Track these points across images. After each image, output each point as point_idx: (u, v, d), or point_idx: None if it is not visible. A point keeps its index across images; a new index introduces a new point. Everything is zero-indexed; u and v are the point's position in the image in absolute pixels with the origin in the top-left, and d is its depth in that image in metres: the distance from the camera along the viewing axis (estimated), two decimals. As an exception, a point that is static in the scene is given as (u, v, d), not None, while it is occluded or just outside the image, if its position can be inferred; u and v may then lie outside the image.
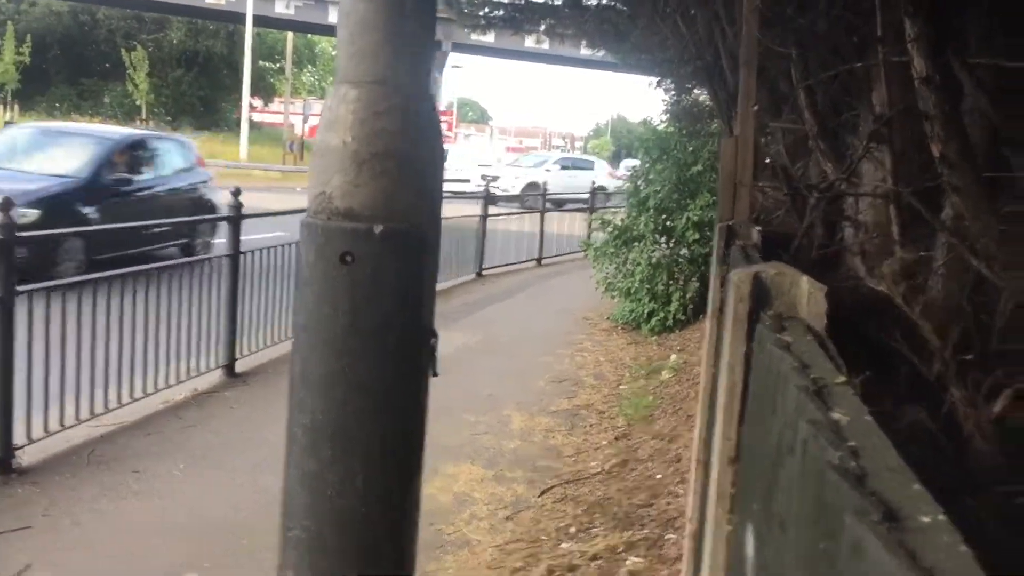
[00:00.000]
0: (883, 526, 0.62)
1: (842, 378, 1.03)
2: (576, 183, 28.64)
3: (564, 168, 33.21)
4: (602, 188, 25.74)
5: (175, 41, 48.13)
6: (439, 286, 9.30)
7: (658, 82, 13.07)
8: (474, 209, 13.42)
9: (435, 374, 1.90)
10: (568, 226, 16.57)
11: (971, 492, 1.20)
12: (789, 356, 1.14)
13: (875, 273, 2.00)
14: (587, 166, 34.97)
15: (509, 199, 25.85)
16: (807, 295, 1.41)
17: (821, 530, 0.75)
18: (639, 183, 10.50)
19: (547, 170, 32.14)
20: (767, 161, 8.32)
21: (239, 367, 7.12)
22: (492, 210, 13.82)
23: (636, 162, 14.14)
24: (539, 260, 15.17)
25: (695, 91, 12.66)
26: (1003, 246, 2.58)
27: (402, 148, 1.71)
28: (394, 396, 1.74)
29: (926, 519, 0.65)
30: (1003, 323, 2.92)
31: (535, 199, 27.20)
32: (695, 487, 2.76)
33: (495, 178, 26.77)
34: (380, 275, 1.69)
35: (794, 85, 4.84)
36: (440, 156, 1.83)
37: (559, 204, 18.40)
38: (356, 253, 1.68)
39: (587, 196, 28.44)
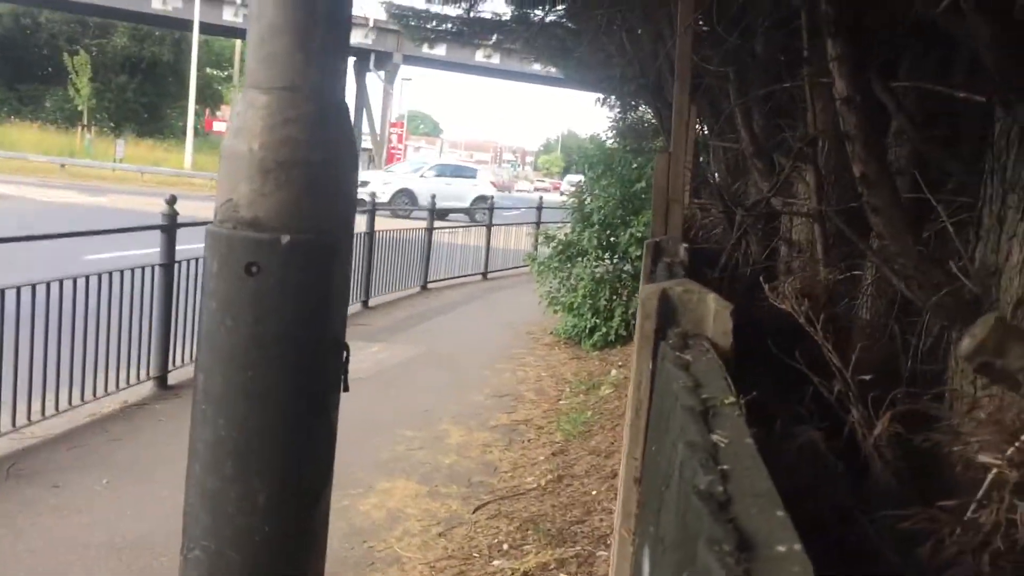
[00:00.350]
0: (732, 557, 0.60)
1: (732, 398, 1.01)
2: (453, 191, 27.88)
3: (440, 175, 30.86)
4: (483, 198, 25.26)
5: (120, 47, 47.28)
6: (384, 298, 9.26)
7: (603, 99, 13.17)
8: (420, 222, 13.36)
9: (346, 389, 1.85)
10: (515, 240, 16.58)
11: (865, 513, 1.19)
12: (684, 375, 1.12)
13: (778, 292, 2.00)
14: (468, 174, 32.59)
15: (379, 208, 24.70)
16: (713, 312, 1.40)
17: (685, 556, 0.72)
18: (584, 198, 10.54)
19: (421, 176, 30.42)
20: (711, 179, 8.42)
21: (172, 379, 6.95)
22: (439, 223, 13.77)
23: (580, 177, 14.21)
24: (485, 274, 15.15)
25: (640, 108, 12.78)
26: (926, 266, 2.61)
27: (312, 156, 1.66)
28: (299, 411, 1.69)
29: (781, 548, 0.63)
30: (925, 344, 2.96)
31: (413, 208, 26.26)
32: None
33: (364, 183, 25.70)
34: (286, 286, 1.64)
35: (733, 105, 4.90)
36: (353, 164, 1.78)
37: (441, 215, 17.36)
38: (261, 264, 1.63)
39: (466, 207, 27.11)
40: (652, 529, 1.19)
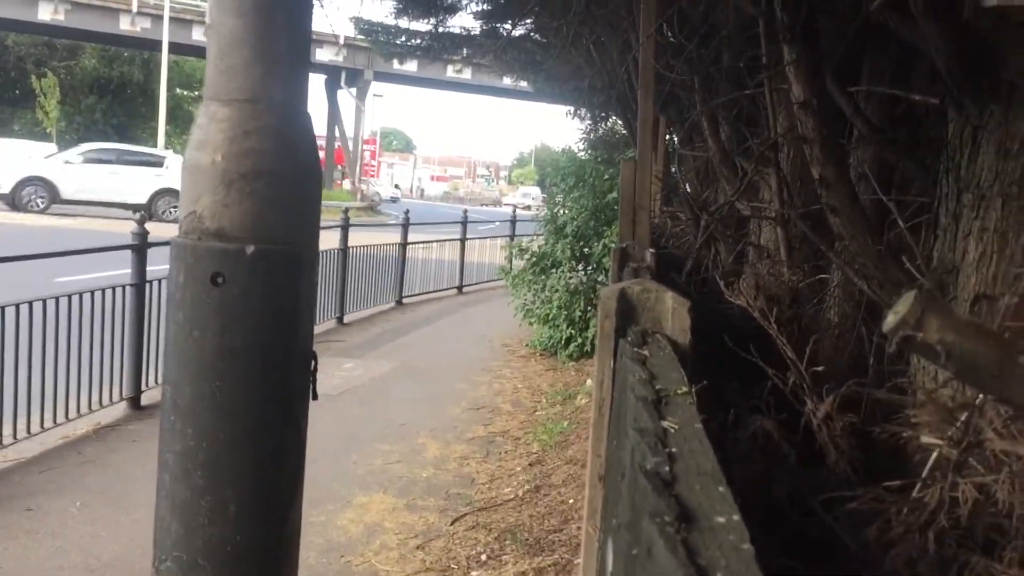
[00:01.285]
0: (672, 527, 0.62)
1: (684, 388, 1.04)
2: (122, 185, 23.31)
3: (100, 162, 24.12)
4: (168, 192, 21.82)
5: (88, 68, 46.93)
6: (359, 314, 9.24)
7: (574, 111, 13.26)
8: (394, 237, 13.36)
9: (314, 397, 1.86)
10: (490, 254, 16.61)
11: (821, 500, 1.22)
12: (640, 369, 1.14)
13: (732, 289, 2.03)
14: (149, 161, 25.22)
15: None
16: (671, 310, 1.43)
17: (634, 535, 0.74)
18: (556, 210, 10.59)
19: (66, 162, 23.93)
20: (681, 188, 8.49)
21: (145, 399, 6.90)
22: (412, 237, 13.77)
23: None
24: (460, 288, 15.16)
25: (610, 120, 12.88)
26: (886, 265, 2.67)
27: (274, 167, 1.68)
28: (267, 421, 1.70)
29: (720, 519, 0.65)
30: (890, 342, 3.00)
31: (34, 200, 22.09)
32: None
33: None
34: (251, 296, 1.65)
35: (698, 113, 4.96)
36: (316, 174, 1.80)
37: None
38: (227, 274, 1.64)
39: (142, 203, 21.73)
40: (614, 522, 1.21)
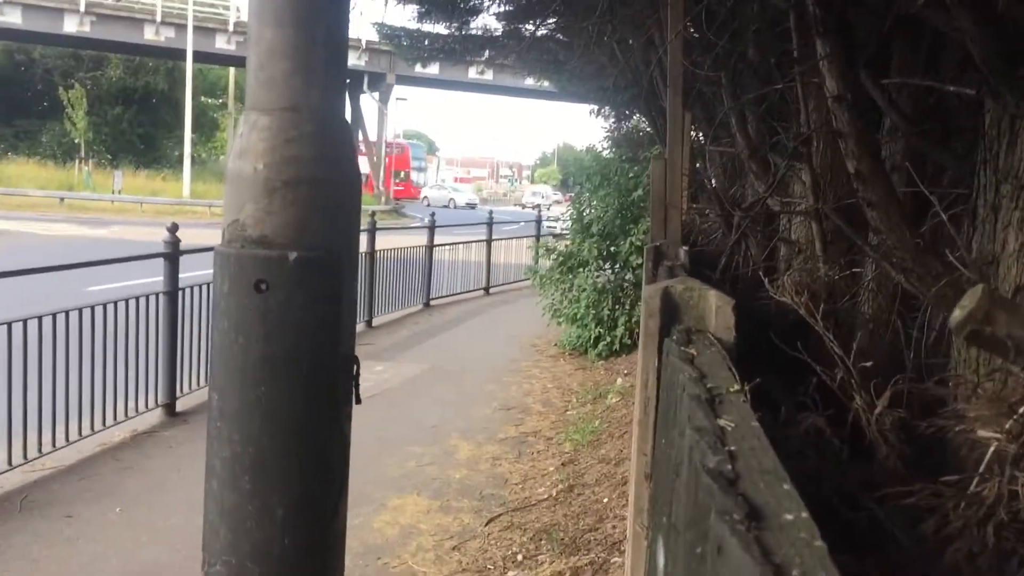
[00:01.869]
0: (743, 525, 0.63)
1: (736, 386, 1.04)
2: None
3: None
4: None
5: (114, 78, 47.47)
6: (387, 317, 9.30)
7: (598, 110, 13.23)
8: (421, 239, 13.41)
9: (358, 401, 1.88)
10: (516, 254, 16.62)
11: (873, 495, 1.21)
12: (689, 367, 1.15)
13: (776, 286, 2.02)
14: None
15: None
16: (715, 308, 1.43)
17: (698, 532, 0.75)
18: (582, 209, 10.58)
19: None
20: (708, 184, 8.45)
21: (180, 406, 6.98)
22: (438, 239, 13.82)
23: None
24: (487, 289, 15.19)
25: (634, 118, 12.84)
26: (924, 258, 2.64)
27: (315, 174, 1.70)
28: (312, 426, 1.71)
29: (789, 517, 0.65)
30: (929, 337, 2.98)
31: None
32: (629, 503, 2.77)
33: None
34: (294, 303, 1.67)
35: (727, 109, 4.94)
36: (356, 182, 1.82)
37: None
38: (270, 281, 1.66)
39: None
40: (664, 520, 1.22)
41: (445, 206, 48.62)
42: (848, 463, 1.37)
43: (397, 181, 47.41)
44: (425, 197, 51.08)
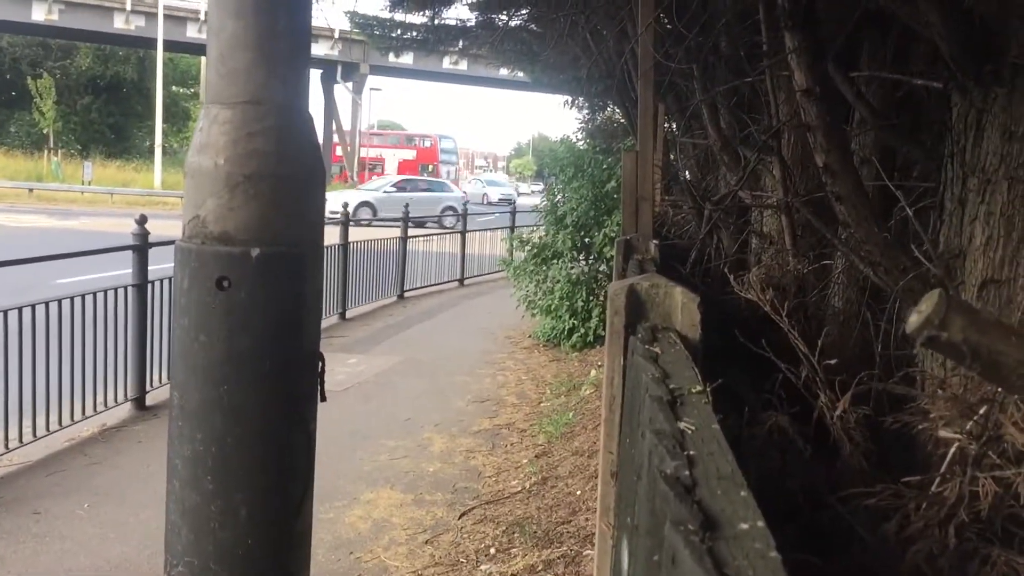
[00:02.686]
0: (697, 536, 0.62)
1: (699, 387, 1.03)
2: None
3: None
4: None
5: (83, 68, 46.86)
6: (360, 309, 9.21)
7: (572, 101, 13.22)
8: (394, 231, 13.35)
9: (323, 399, 1.85)
10: (490, 246, 16.59)
11: (835, 494, 1.21)
12: (652, 367, 1.13)
13: (742, 283, 2.02)
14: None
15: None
16: (681, 305, 1.42)
17: (655, 540, 0.74)
18: (556, 200, 10.57)
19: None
20: (681, 176, 8.47)
21: (150, 400, 6.90)
22: (412, 231, 13.77)
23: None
24: (461, 280, 15.16)
25: (608, 108, 12.85)
26: (892, 252, 2.66)
27: (278, 169, 1.67)
28: (276, 425, 1.69)
29: (744, 526, 0.64)
30: (897, 329, 3.00)
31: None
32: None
33: None
34: (257, 300, 1.64)
35: (698, 101, 4.94)
36: (320, 176, 1.79)
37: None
38: (232, 278, 1.63)
39: None
40: (629, 520, 1.21)
41: (478, 203, 44.94)
42: (813, 462, 1.36)
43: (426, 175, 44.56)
44: (464, 192, 45.96)
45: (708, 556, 0.58)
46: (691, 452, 0.81)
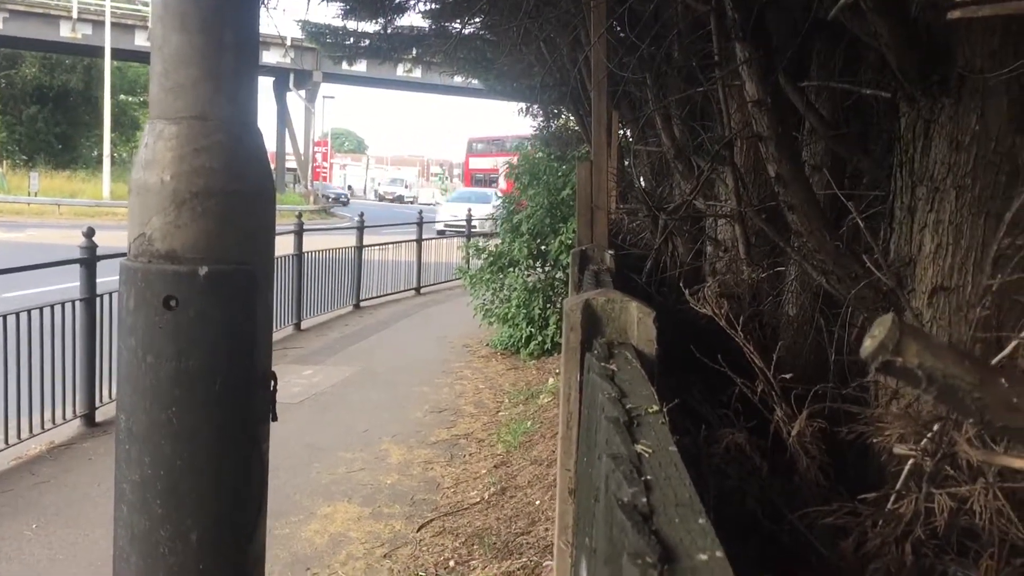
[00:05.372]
0: (655, 569, 0.60)
1: (655, 407, 1.02)
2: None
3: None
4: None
5: (29, 76, 45.91)
6: (316, 319, 9.12)
7: (527, 108, 13.24)
8: (349, 240, 13.25)
9: (274, 419, 1.82)
10: (447, 254, 16.54)
11: (793, 509, 1.21)
12: (609, 385, 1.12)
13: (696, 297, 2.03)
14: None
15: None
16: (637, 321, 1.41)
17: (613, 570, 0.72)
18: (512, 208, 10.58)
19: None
20: (636, 183, 8.52)
21: (100, 416, 6.76)
22: (368, 239, 13.67)
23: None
24: (418, 289, 15.09)
25: (563, 116, 12.89)
26: (844, 260, 2.68)
27: (226, 185, 1.63)
28: (228, 446, 1.65)
29: (703, 556, 0.63)
30: (851, 334, 3.03)
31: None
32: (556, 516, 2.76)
33: None
34: (206, 319, 1.60)
35: (652, 110, 4.97)
36: (269, 192, 1.76)
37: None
38: (180, 297, 1.59)
39: None
40: (587, 540, 1.20)
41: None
42: (769, 478, 1.37)
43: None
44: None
45: (667, 592, 0.57)
46: (648, 477, 0.79)
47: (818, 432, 1.46)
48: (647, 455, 0.86)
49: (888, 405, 1.51)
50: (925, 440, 1.06)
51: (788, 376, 1.60)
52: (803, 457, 1.37)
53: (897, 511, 1.05)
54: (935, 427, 1.07)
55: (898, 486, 1.08)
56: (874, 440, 1.29)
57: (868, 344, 0.82)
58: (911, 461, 1.08)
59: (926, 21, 2.21)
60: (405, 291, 14.81)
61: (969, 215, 2.28)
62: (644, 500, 0.73)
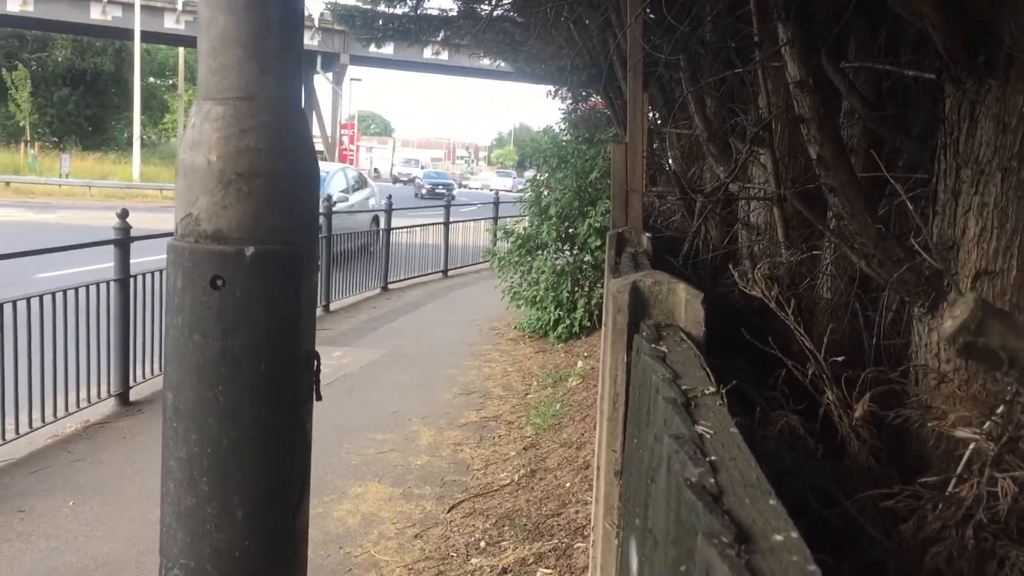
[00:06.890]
0: (733, 549, 0.60)
1: (712, 388, 1.02)
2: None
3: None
4: None
5: (60, 59, 46.32)
6: (344, 302, 9.19)
7: (555, 91, 13.18)
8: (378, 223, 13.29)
9: (318, 398, 1.83)
10: (474, 237, 16.55)
11: (847, 494, 1.20)
12: (662, 367, 1.12)
13: (743, 275, 2.01)
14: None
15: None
16: (684, 303, 1.41)
17: (682, 550, 0.72)
18: (540, 191, 10.55)
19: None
20: (667, 167, 8.47)
21: (134, 395, 6.85)
22: (396, 222, 13.71)
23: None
24: (445, 271, 15.12)
25: (591, 99, 12.82)
26: (885, 243, 2.65)
27: (271, 165, 1.64)
28: (272, 424, 1.67)
29: (778, 537, 0.63)
30: (886, 319, 3.01)
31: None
32: (596, 497, 2.75)
33: None
34: (252, 299, 1.61)
35: (686, 93, 4.93)
36: (314, 172, 1.76)
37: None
38: (226, 277, 1.60)
39: None
40: (638, 522, 1.19)
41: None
42: (822, 461, 1.36)
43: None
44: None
45: (747, 571, 0.57)
46: (712, 458, 0.79)
47: (868, 415, 1.45)
48: (708, 436, 0.86)
49: (935, 390, 1.50)
50: (989, 423, 1.05)
51: (840, 359, 1.59)
52: (854, 440, 1.36)
53: (958, 495, 1.05)
54: (999, 410, 1.06)
55: (959, 470, 1.07)
56: (929, 424, 1.28)
57: (949, 325, 0.81)
58: (972, 445, 1.07)
59: (972, 0, 2.17)
60: (432, 274, 14.84)
61: (1015, 198, 2.25)
62: (712, 480, 0.73)
